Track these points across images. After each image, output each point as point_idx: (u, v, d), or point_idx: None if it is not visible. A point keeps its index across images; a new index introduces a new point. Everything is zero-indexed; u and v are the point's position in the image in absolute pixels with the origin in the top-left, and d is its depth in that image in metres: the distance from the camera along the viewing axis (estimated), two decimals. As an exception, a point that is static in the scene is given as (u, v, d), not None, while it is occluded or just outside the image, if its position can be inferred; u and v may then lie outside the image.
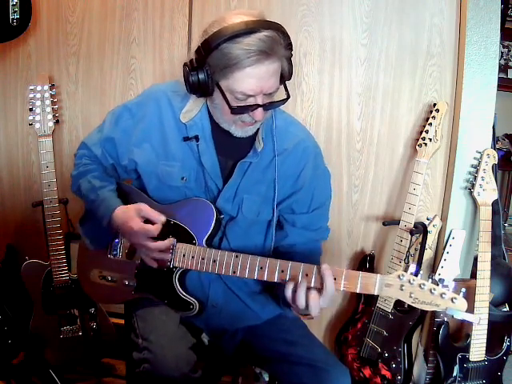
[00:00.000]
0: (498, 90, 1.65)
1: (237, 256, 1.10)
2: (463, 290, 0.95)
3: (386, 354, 1.68)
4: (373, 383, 1.72)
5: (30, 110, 1.71)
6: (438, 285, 0.95)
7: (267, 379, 1.58)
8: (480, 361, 1.63)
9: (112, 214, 1.19)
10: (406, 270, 0.98)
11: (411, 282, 0.95)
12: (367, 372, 1.73)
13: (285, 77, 1.13)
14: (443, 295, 0.93)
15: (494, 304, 1.69)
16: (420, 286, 0.94)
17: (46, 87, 1.71)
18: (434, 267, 1.77)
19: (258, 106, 1.08)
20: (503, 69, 3.51)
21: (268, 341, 1.25)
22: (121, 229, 1.19)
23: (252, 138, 1.20)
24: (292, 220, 1.28)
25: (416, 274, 0.96)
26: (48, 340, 1.76)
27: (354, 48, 1.71)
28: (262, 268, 1.07)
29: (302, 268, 1.04)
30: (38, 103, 1.71)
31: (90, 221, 1.30)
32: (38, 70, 1.87)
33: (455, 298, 0.93)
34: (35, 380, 1.79)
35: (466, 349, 1.62)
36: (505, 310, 1.75)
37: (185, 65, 1.11)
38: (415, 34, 1.68)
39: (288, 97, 1.14)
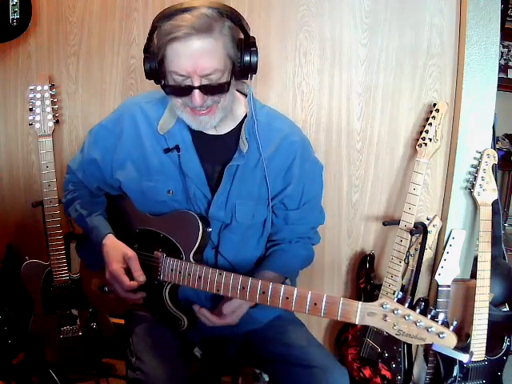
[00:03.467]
0: (498, 90, 1.65)
1: (220, 274, 1.08)
2: (454, 322, 0.87)
3: (386, 354, 1.68)
4: (373, 383, 1.72)
5: (30, 110, 1.71)
6: (426, 315, 0.86)
7: (267, 379, 1.58)
8: (480, 361, 1.62)
9: (102, 242, 1.20)
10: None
11: (395, 312, 0.87)
12: (367, 372, 1.73)
13: (234, 61, 1.07)
14: (430, 329, 0.85)
15: (494, 304, 1.69)
16: (405, 317, 0.87)
17: (46, 87, 1.71)
18: (433, 267, 1.77)
19: (192, 87, 1.03)
20: (503, 69, 3.51)
21: (266, 342, 1.25)
22: (104, 258, 1.19)
23: (236, 140, 1.18)
24: (283, 216, 1.28)
25: (401, 302, 0.89)
26: (48, 340, 1.76)
27: (354, 48, 1.71)
28: (243, 288, 1.05)
29: (283, 290, 1.01)
30: (38, 103, 1.70)
31: (86, 244, 1.31)
32: (38, 70, 1.87)
33: (442, 333, 0.84)
34: (35, 380, 1.79)
35: (466, 349, 1.62)
36: (505, 309, 1.74)
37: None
38: (415, 34, 1.68)
39: (227, 81, 1.05)
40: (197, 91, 1.03)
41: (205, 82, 1.03)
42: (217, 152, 1.19)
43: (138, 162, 1.21)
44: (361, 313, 0.91)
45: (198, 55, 1.00)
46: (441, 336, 0.85)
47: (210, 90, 1.04)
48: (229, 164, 1.17)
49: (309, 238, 1.35)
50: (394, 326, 0.88)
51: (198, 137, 1.18)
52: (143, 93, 1.31)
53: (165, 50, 1.02)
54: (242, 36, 1.07)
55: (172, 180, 1.19)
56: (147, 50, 1.06)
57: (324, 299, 0.95)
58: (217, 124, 1.13)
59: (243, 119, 1.19)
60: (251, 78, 1.12)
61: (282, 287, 1.01)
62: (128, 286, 1.13)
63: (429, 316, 0.87)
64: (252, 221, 1.23)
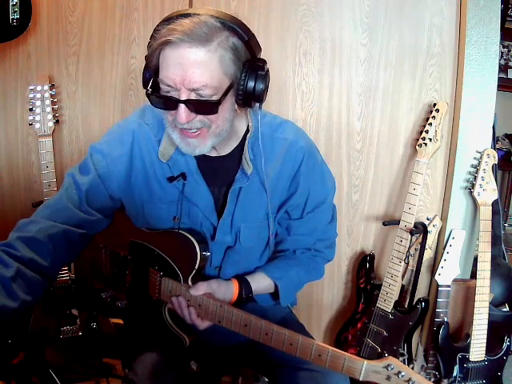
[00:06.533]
0: (498, 90, 1.65)
1: (221, 306, 1.01)
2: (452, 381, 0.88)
3: (386, 354, 1.68)
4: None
5: (30, 109, 1.71)
6: (430, 377, 0.87)
7: (267, 379, 1.58)
8: (480, 361, 1.62)
9: None
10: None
11: (400, 375, 0.85)
12: (367, 372, 1.73)
13: (233, 82, 0.95)
14: None
15: (494, 304, 1.69)
16: (408, 382, 0.85)
17: (46, 87, 1.71)
18: (433, 267, 1.77)
19: (178, 100, 0.91)
20: (503, 69, 3.51)
21: (267, 347, 1.23)
22: None
23: (239, 160, 1.11)
24: (286, 225, 1.23)
25: (408, 363, 0.88)
26: (48, 340, 1.76)
27: (354, 48, 1.71)
28: (246, 325, 1.00)
29: (287, 334, 0.95)
30: (38, 103, 1.70)
31: None
32: (38, 70, 1.86)
33: None
34: (35, 380, 1.79)
35: (466, 349, 1.62)
36: (505, 310, 1.75)
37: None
38: (415, 34, 1.68)
39: (217, 101, 0.92)
40: (182, 106, 0.92)
41: (193, 96, 0.92)
42: (221, 174, 1.12)
43: (139, 188, 1.12)
44: (365, 372, 0.89)
45: (187, 65, 0.89)
46: None
47: (196, 106, 0.92)
48: (232, 187, 1.11)
49: (317, 250, 1.26)
50: None
51: (202, 161, 1.09)
52: (143, 111, 1.16)
53: (158, 56, 0.93)
54: (249, 56, 0.96)
55: (177, 206, 1.12)
56: (147, 57, 0.97)
57: (329, 353, 0.91)
58: (208, 150, 1.02)
59: (245, 135, 1.11)
60: (260, 108, 1.01)
61: (286, 332, 0.96)
62: None
63: (432, 379, 0.87)
64: (256, 241, 1.20)
